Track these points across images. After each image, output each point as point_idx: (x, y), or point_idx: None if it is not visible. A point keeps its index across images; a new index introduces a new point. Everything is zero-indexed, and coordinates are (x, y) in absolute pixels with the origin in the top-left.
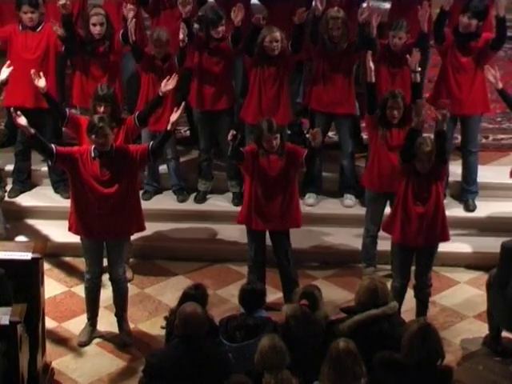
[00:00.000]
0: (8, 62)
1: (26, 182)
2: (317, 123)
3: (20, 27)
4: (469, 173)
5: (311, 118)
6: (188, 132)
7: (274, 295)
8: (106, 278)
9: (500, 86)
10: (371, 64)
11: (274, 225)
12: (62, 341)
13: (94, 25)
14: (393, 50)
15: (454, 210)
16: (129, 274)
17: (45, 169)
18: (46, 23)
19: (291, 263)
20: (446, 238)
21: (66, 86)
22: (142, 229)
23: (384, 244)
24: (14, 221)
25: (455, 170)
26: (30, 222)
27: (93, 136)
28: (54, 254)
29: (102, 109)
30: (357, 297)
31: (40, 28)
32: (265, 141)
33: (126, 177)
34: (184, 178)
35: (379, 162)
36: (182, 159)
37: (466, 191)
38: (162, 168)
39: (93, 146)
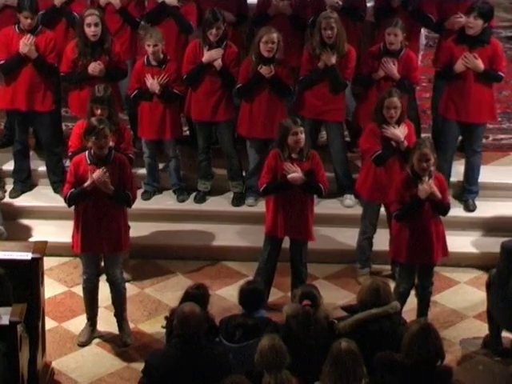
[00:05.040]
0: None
1: (26, 181)
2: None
3: (17, 29)
4: (471, 172)
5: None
6: (188, 132)
7: (274, 295)
8: (105, 278)
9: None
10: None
11: (300, 235)
12: (62, 341)
13: (89, 25)
14: (389, 50)
15: (454, 210)
16: (126, 275)
17: (44, 168)
18: (43, 31)
19: (303, 263)
20: (445, 254)
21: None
22: (125, 247)
23: (379, 244)
24: (14, 221)
25: (456, 169)
26: (30, 221)
27: (93, 138)
28: (54, 253)
29: (99, 111)
30: (359, 296)
31: (36, 32)
32: (292, 134)
33: (118, 186)
34: (184, 177)
35: (374, 173)
36: (182, 159)
37: (467, 191)
38: (162, 168)
39: (87, 152)
